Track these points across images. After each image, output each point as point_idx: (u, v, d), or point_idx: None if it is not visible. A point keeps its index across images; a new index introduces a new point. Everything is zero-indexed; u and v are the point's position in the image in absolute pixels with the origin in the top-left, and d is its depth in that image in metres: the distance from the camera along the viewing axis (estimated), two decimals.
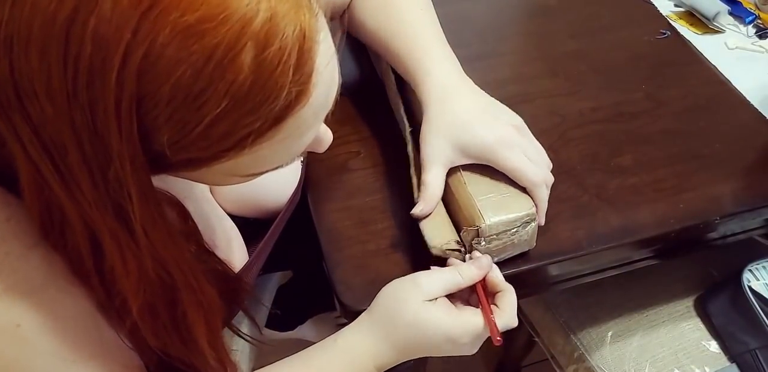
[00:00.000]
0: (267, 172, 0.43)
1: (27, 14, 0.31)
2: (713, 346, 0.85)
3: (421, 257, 0.62)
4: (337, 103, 0.42)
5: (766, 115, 0.78)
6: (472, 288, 0.56)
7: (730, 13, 0.94)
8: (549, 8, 0.94)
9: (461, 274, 0.55)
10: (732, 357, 0.83)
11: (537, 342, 0.99)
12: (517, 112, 0.63)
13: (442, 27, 0.67)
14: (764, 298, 0.82)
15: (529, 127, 0.62)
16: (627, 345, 0.86)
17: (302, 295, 1.19)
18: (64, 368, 0.43)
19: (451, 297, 0.56)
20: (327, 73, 0.37)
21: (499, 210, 0.57)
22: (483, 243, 0.57)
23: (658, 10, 0.94)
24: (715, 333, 0.85)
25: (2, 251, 0.39)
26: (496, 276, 0.57)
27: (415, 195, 0.61)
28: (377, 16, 0.67)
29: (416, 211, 0.60)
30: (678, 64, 0.86)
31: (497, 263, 0.60)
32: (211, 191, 0.64)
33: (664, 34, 0.90)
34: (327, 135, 0.48)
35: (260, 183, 0.45)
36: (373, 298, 0.56)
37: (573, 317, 0.91)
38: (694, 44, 0.89)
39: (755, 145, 0.75)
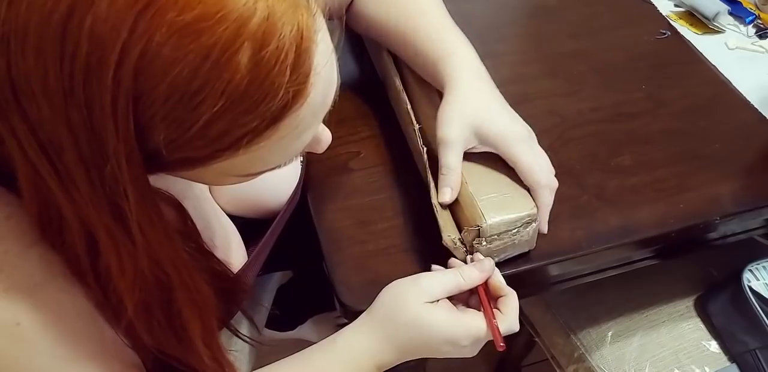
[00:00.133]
0: (265, 172, 0.43)
1: (23, 13, 0.31)
2: (713, 346, 0.85)
3: (421, 257, 0.62)
4: (337, 103, 0.42)
5: (766, 115, 0.78)
6: (473, 290, 0.56)
7: (730, 13, 0.94)
8: (549, 8, 0.94)
9: (463, 276, 0.55)
10: (732, 357, 0.83)
11: (537, 342, 0.99)
12: (516, 112, 0.63)
13: None
14: (764, 298, 0.82)
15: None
16: (627, 345, 0.86)
17: (302, 295, 1.19)
18: (64, 367, 0.43)
19: (451, 298, 0.56)
20: (325, 72, 0.37)
21: (500, 210, 0.57)
22: (484, 243, 0.57)
23: (658, 10, 0.94)
24: (715, 333, 0.85)
25: (1, 250, 0.40)
26: (499, 280, 0.56)
27: (430, 185, 0.60)
28: (390, 11, 0.67)
29: (446, 198, 0.59)
30: (678, 64, 0.86)
31: (498, 263, 0.60)
32: (210, 191, 0.64)
33: (664, 34, 0.90)
34: (326, 135, 0.48)
35: (260, 183, 0.45)
36: (373, 298, 0.56)
37: (573, 317, 0.91)
38: (694, 44, 0.89)
39: (755, 145, 0.75)
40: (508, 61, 0.85)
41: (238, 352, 0.78)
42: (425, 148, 0.63)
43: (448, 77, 0.62)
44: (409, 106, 0.68)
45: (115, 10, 0.30)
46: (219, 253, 0.56)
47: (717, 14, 0.92)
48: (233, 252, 0.62)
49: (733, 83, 0.83)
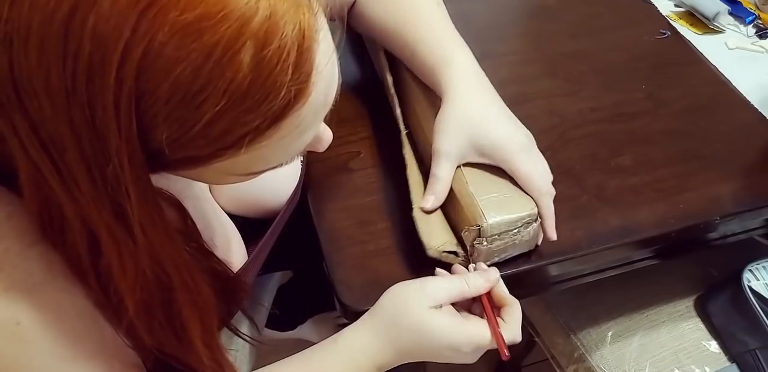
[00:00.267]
0: (266, 170, 0.43)
1: (26, 12, 0.31)
2: (713, 346, 0.85)
3: (422, 257, 0.62)
4: (338, 104, 0.42)
5: (766, 115, 0.78)
6: (476, 298, 0.56)
7: (730, 13, 0.94)
8: (549, 8, 0.94)
9: (468, 283, 0.55)
10: (732, 357, 0.83)
11: (537, 342, 0.99)
12: (516, 113, 0.63)
13: None
14: (764, 298, 0.82)
15: (528, 127, 0.62)
16: (627, 345, 0.86)
17: (302, 295, 1.19)
18: (64, 366, 0.43)
19: (454, 304, 0.56)
20: (327, 72, 0.37)
21: (500, 210, 0.57)
22: (484, 243, 0.57)
23: (658, 10, 0.94)
24: (715, 333, 0.85)
25: (1, 248, 0.40)
26: (503, 289, 0.56)
27: (412, 195, 0.61)
28: (390, 12, 0.67)
29: (427, 204, 0.60)
30: (678, 64, 0.86)
31: (498, 263, 0.60)
32: (210, 190, 0.64)
33: (664, 34, 0.90)
34: (327, 134, 0.48)
35: (260, 182, 0.45)
36: (373, 298, 0.56)
37: (573, 317, 0.91)
38: (694, 44, 0.89)
39: (755, 145, 0.75)
40: (508, 61, 0.85)
41: (238, 351, 0.78)
42: (408, 154, 0.64)
43: (444, 87, 0.62)
44: (398, 111, 0.68)
45: (117, 10, 0.30)
46: (219, 253, 0.56)
47: (717, 14, 0.92)
48: (233, 252, 0.62)
49: (733, 83, 0.83)
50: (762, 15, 0.94)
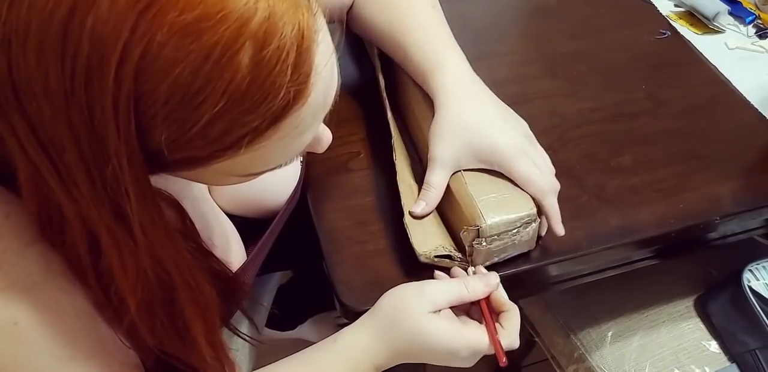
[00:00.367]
0: (266, 171, 0.43)
1: (24, 14, 0.31)
2: (713, 346, 0.85)
3: None
4: (337, 104, 0.42)
5: (766, 115, 0.78)
6: (474, 302, 0.56)
7: (730, 13, 0.94)
8: (549, 8, 0.94)
9: (468, 287, 0.55)
10: (732, 357, 0.83)
11: (537, 342, 0.99)
12: (516, 113, 0.63)
13: None
14: (764, 298, 0.82)
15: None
16: (627, 345, 0.86)
17: (302, 295, 1.19)
18: (62, 366, 0.43)
19: (452, 308, 0.55)
20: (326, 72, 0.37)
21: (499, 210, 0.57)
22: (483, 244, 0.57)
23: (658, 10, 0.94)
24: (715, 333, 0.85)
25: (0, 248, 0.39)
26: (502, 295, 0.56)
27: (403, 202, 0.61)
28: (385, 13, 0.67)
29: (417, 210, 0.60)
30: (678, 64, 0.86)
31: (497, 263, 0.60)
32: (209, 191, 0.64)
33: (664, 34, 0.90)
34: (326, 135, 0.48)
35: (259, 182, 0.45)
36: (373, 298, 0.56)
37: (573, 317, 0.91)
38: (694, 44, 0.89)
39: (755, 145, 0.75)
40: (508, 62, 0.85)
41: (238, 351, 0.78)
42: (399, 161, 0.64)
43: (436, 92, 0.62)
44: (390, 115, 0.68)
45: (116, 11, 0.30)
46: (218, 253, 0.56)
47: (717, 14, 0.92)
48: (232, 252, 0.62)
49: (733, 83, 0.83)
50: (762, 15, 0.94)
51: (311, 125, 0.40)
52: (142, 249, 0.38)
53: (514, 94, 0.73)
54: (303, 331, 1.30)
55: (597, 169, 0.71)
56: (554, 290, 0.90)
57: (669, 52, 0.87)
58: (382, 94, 0.70)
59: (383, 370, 0.56)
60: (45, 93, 0.32)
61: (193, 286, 0.43)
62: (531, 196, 0.59)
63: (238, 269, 0.61)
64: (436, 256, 0.59)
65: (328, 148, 0.49)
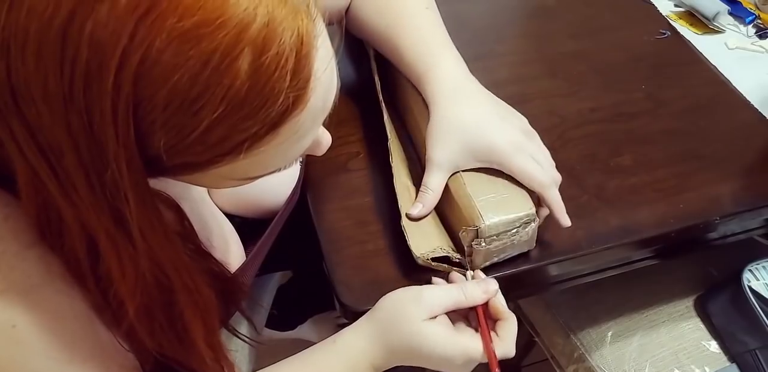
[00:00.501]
0: (265, 175, 0.43)
1: (23, 18, 0.31)
2: (713, 346, 0.85)
3: None
4: (337, 104, 0.42)
5: (766, 115, 0.78)
6: (473, 308, 0.56)
7: (730, 13, 0.94)
8: (548, 8, 0.94)
9: (465, 293, 0.54)
10: (732, 357, 0.83)
11: (537, 342, 0.99)
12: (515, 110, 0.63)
13: None
14: (764, 298, 0.82)
15: None
16: (627, 345, 0.86)
17: (302, 295, 1.19)
18: (60, 369, 0.43)
19: (450, 312, 0.55)
20: (325, 77, 0.37)
21: (498, 210, 0.57)
22: (483, 244, 0.57)
23: (658, 10, 0.94)
24: (715, 333, 0.85)
25: None
26: (500, 302, 0.56)
27: (400, 204, 0.61)
28: (380, 15, 0.67)
29: (414, 212, 0.60)
30: (678, 64, 0.86)
31: (497, 263, 0.60)
32: (208, 191, 0.64)
33: (664, 34, 0.90)
34: (326, 138, 0.48)
35: (259, 183, 0.45)
36: (373, 298, 0.56)
37: (573, 317, 0.91)
38: (694, 44, 0.89)
39: (755, 145, 0.75)
40: (507, 62, 0.85)
41: (238, 352, 0.78)
42: (395, 163, 0.64)
43: (431, 95, 0.62)
44: (386, 116, 0.68)
45: (115, 16, 0.30)
46: (217, 254, 0.56)
47: (717, 14, 0.92)
48: (231, 253, 0.62)
49: (733, 83, 0.83)
50: (762, 15, 0.94)
51: (311, 129, 0.40)
52: (141, 253, 0.38)
53: (514, 94, 0.73)
54: (303, 331, 1.30)
55: (597, 169, 0.71)
56: (554, 290, 0.90)
57: (669, 52, 0.87)
58: (379, 97, 0.70)
59: (382, 371, 0.56)
60: (44, 98, 0.32)
61: (192, 289, 0.43)
62: (532, 191, 0.59)
63: (237, 270, 0.61)
64: (434, 260, 0.59)
65: (328, 149, 0.49)
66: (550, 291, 0.91)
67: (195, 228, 0.55)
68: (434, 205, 0.62)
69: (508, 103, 0.63)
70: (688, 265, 0.93)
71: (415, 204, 0.61)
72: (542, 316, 0.95)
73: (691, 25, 0.92)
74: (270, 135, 0.36)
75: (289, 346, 0.57)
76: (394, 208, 0.63)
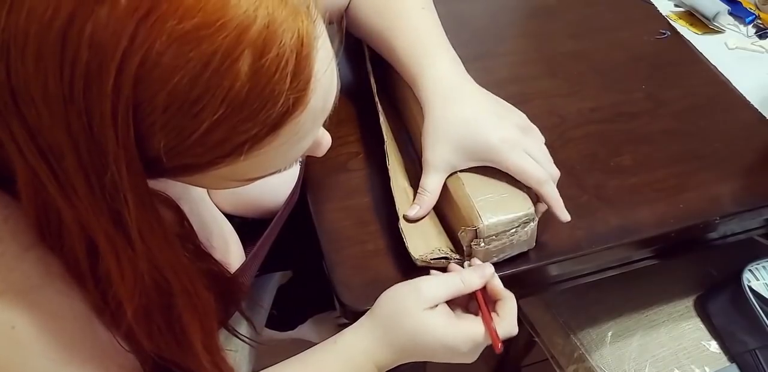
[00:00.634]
0: (265, 176, 0.43)
1: (23, 20, 0.31)
2: (713, 346, 0.85)
3: None
4: (337, 104, 0.42)
5: (766, 115, 0.78)
6: (472, 295, 0.56)
7: (730, 13, 0.94)
8: (548, 8, 0.94)
9: (463, 280, 0.55)
10: (732, 357, 0.83)
11: (537, 342, 0.99)
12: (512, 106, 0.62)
13: None
14: (764, 298, 0.82)
15: None
16: (627, 345, 0.86)
17: (302, 295, 1.19)
18: (59, 370, 0.42)
19: (451, 303, 0.56)
20: (325, 79, 0.37)
21: (497, 210, 0.57)
22: (482, 244, 0.57)
23: (658, 10, 0.94)
24: (715, 333, 0.85)
25: None
26: (497, 284, 0.56)
27: (398, 207, 0.61)
28: (378, 15, 0.67)
29: (411, 213, 0.61)
30: (678, 64, 0.86)
31: (497, 263, 0.60)
32: (208, 192, 0.64)
33: (664, 34, 0.90)
34: (326, 139, 0.48)
35: (258, 183, 0.45)
36: (373, 298, 0.56)
37: (573, 317, 0.91)
38: (694, 44, 0.89)
39: (755, 145, 0.75)
40: (507, 62, 0.85)
41: (237, 352, 0.78)
42: (392, 166, 0.64)
43: (424, 97, 0.62)
44: (382, 119, 0.68)
45: (115, 18, 0.30)
46: (217, 254, 0.56)
47: (717, 14, 0.91)
48: (231, 253, 0.62)
49: (733, 83, 0.82)
50: (762, 15, 0.94)
51: (311, 130, 0.40)
52: (140, 255, 0.38)
53: (514, 94, 0.73)
54: (303, 331, 1.30)
55: (597, 169, 0.71)
56: (554, 290, 0.90)
57: (669, 52, 0.87)
58: (375, 99, 0.70)
59: (386, 370, 0.56)
60: (44, 99, 0.32)
61: (191, 291, 0.43)
62: (531, 191, 0.59)
63: (237, 270, 0.61)
64: (432, 259, 0.59)
65: (328, 149, 0.49)
66: (550, 291, 0.91)
67: (195, 228, 0.55)
68: (432, 207, 0.62)
69: (509, 103, 0.63)
70: (688, 265, 0.93)
71: (413, 206, 0.61)
72: (542, 316, 0.95)
73: (691, 25, 0.92)
74: (270, 136, 0.36)
75: (289, 346, 0.57)
76: (394, 209, 0.63)
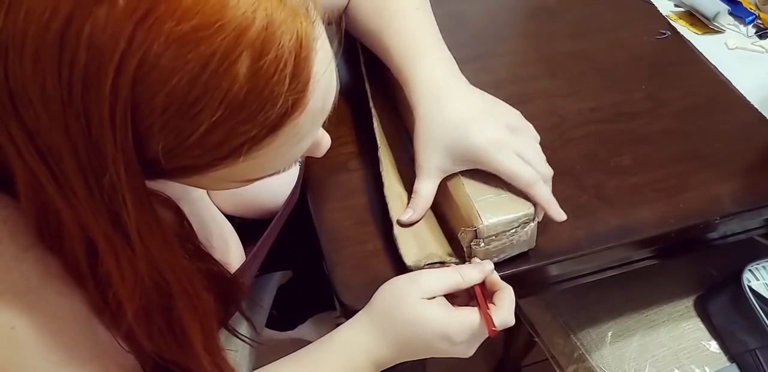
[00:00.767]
0: (264, 177, 0.43)
1: (21, 22, 0.31)
2: (713, 346, 0.85)
3: None
4: (336, 105, 0.42)
5: (766, 115, 0.78)
6: (472, 293, 0.56)
7: (730, 13, 0.94)
8: (548, 8, 0.94)
9: (462, 275, 0.55)
10: (732, 357, 0.83)
11: (537, 342, 0.99)
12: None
13: (438, 27, 0.67)
14: (764, 298, 0.82)
15: None
16: (627, 345, 0.86)
17: (302, 295, 1.19)
18: (58, 371, 0.43)
19: (452, 300, 0.56)
20: (324, 80, 0.37)
21: (497, 211, 0.57)
22: (482, 244, 0.57)
23: (658, 10, 0.94)
24: (715, 333, 0.85)
25: None
26: (495, 276, 0.57)
27: (391, 213, 0.61)
28: (375, 16, 0.67)
29: (404, 217, 0.61)
30: (678, 64, 0.86)
31: (497, 263, 0.60)
32: (208, 192, 0.64)
33: (664, 34, 0.90)
34: (325, 139, 0.48)
35: (258, 184, 0.45)
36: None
37: (573, 317, 0.91)
38: (694, 44, 0.88)
39: (755, 145, 0.75)
40: (507, 62, 0.85)
41: (237, 352, 0.78)
42: (385, 172, 0.65)
43: (414, 100, 0.61)
44: (376, 124, 0.68)
45: (113, 20, 0.30)
46: (217, 254, 0.56)
47: (717, 14, 0.91)
48: (231, 253, 0.62)
49: (733, 83, 0.82)
50: (762, 15, 0.94)
51: (310, 131, 0.40)
52: (140, 256, 0.38)
53: (514, 94, 0.73)
54: (303, 331, 1.30)
55: (597, 169, 0.71)
56: (554, 290, 0.90)
57: (669, 52, 0.87)
58: (369, 104, 0.70)
59: (384, 369, 0.56)
60: (42, 101, 0.32)
61: (191, 292, 0.43)
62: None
63: (237, 270, 0.61)
64: (427, 265, 0.59)
65: (328, 149, 0.49)
66: (550, 291, 0.91)
67: (194, 228, 0.55)
68: (425, 211, 0.61)
69: (509, 103, 0.63)
70: (688, 265, 0.93)
71: (406, 210, 0.61)
72: (542, 316, 0.95)
73: (691, 25, 0.92)
74: (269, 138, 0.36)
75: (289, 346, 0.57)
76: None
